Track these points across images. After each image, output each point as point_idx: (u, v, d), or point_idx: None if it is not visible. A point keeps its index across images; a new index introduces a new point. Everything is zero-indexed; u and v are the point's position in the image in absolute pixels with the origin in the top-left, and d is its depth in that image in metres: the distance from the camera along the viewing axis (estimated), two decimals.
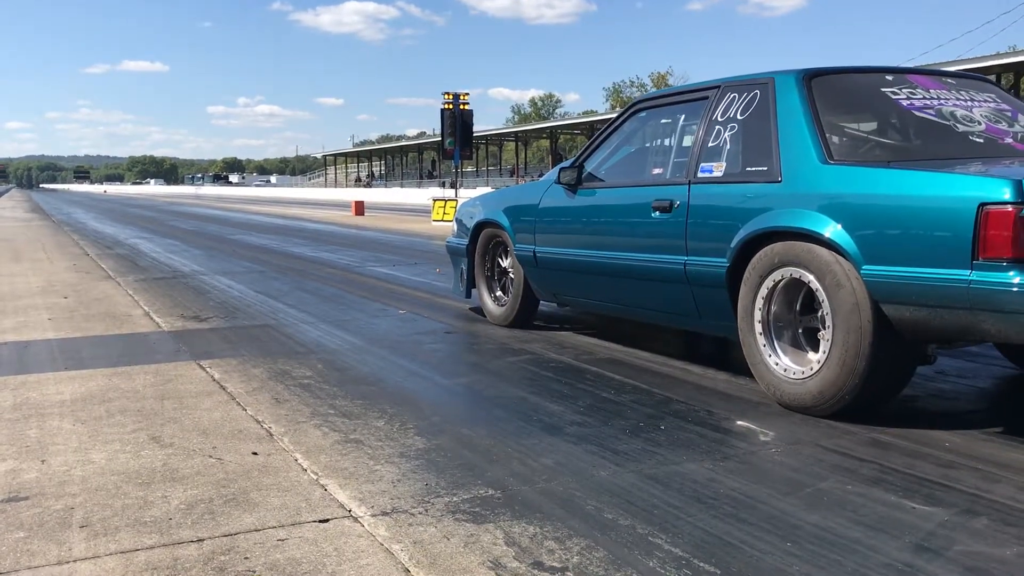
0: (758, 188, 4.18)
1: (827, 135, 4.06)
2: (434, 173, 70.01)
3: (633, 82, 79.53)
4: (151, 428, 3.85)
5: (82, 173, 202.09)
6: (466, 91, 43.51)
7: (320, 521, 2.80)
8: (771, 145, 4.20)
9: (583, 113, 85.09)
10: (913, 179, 3.59)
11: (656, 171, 4.99)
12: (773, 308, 4.15)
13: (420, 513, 2.86)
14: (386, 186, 74.88)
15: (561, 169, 5.51)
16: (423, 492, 3.04)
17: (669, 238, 4.62)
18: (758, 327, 4.18)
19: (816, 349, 4.00)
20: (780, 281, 4.07)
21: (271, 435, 3.73)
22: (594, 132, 20.05)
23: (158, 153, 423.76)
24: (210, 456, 3.45)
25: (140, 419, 4.00)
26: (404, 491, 3.05)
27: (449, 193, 28.82)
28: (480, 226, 6.40)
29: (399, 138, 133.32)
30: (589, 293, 5.47)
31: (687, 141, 4.77)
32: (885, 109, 4.32)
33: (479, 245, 6.46)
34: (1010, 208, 3.23)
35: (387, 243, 15.48)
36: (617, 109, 59.09)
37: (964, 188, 3.37)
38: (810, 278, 3.90)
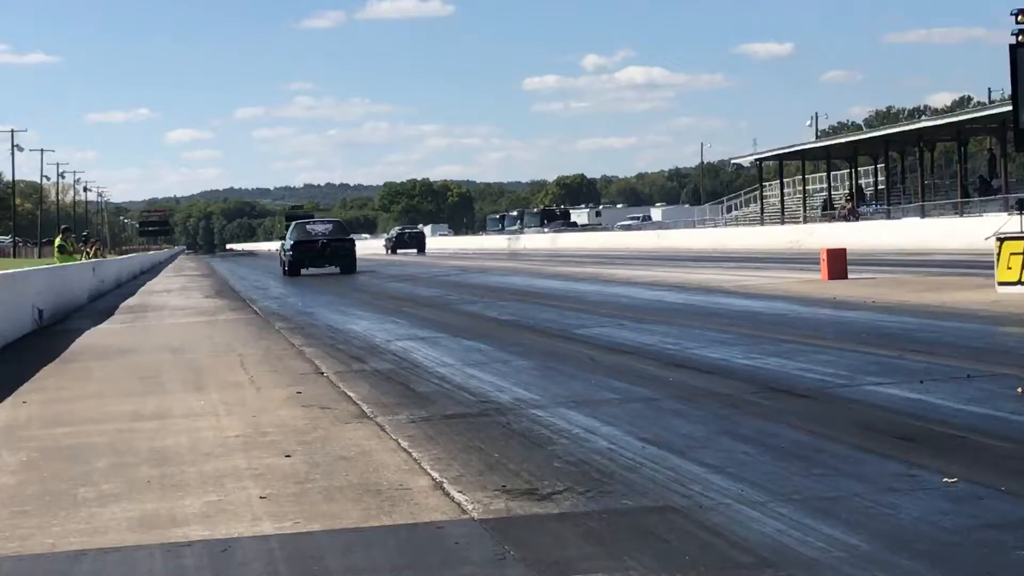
0: None
1: None
2: (992, 181, 42.07)
3: None
4: None
5: (299, 216, 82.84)
6: None
7: None
8: None
9: None
10: None
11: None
12: None
13: None
14: (887, 213, 45.02)
15: (292, 227, 36.97)
16: None
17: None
18: None
19: None
20: None
21: None
22: None
23: (437, 174, 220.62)
24: None
25: None
26: None
27: None
28: (285, 249, 37.23)
29: (912, 115, 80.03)
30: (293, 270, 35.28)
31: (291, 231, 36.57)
32: None
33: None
34: None
35: (897, 334, 9.94)
36: None
37: None
38: None
